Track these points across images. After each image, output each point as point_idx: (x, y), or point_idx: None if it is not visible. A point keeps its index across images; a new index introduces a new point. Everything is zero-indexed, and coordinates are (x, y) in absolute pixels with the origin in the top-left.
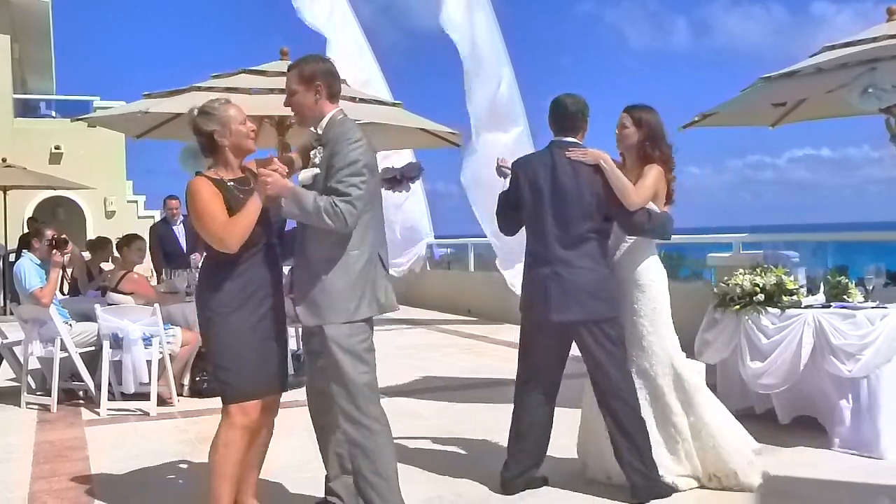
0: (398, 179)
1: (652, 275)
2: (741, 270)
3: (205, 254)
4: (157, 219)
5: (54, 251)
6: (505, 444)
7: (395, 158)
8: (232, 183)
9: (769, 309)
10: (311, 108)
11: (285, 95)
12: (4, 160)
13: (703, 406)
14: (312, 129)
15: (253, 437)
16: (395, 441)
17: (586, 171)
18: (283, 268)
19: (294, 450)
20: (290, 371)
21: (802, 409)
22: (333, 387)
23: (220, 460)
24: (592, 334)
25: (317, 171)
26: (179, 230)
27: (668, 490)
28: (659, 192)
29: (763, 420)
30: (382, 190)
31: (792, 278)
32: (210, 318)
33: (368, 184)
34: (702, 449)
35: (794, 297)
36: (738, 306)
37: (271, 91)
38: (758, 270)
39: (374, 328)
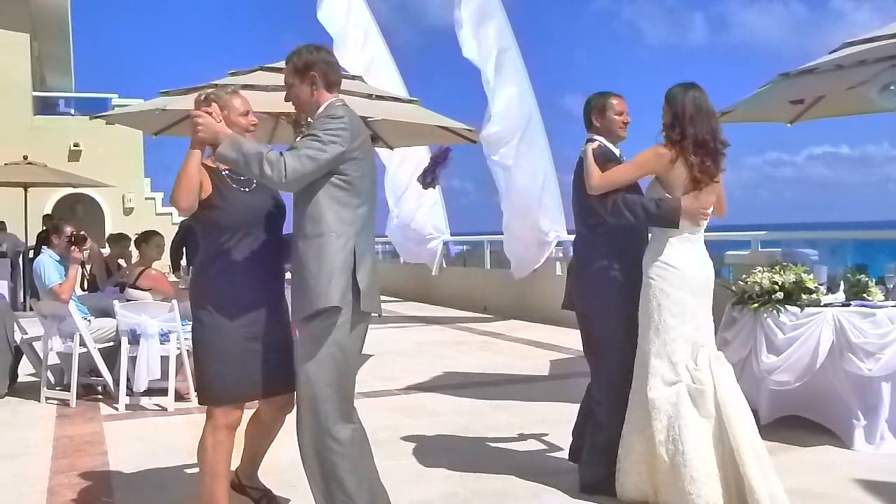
0: (432, 168)
1: (653, 272)
2: (760, 268)
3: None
4: (176, 216)
5: (73, 247)
6: (519, 441)
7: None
8: (226, 172)
9: (788, 307)
10: (308, 100)
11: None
12: (25, 157)
13: (657, 430)
14: (310, 118)
15: (255, 422)
16: (412, 437)
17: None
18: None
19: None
20: None
21: (792, 409)
22: (298, 391)
23: (211, 461)
24: (582, 326)
25: None
26: None
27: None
28: (661, 175)
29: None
30: (401, 188)
31: (811, 276)
32: (198, 318)
33: (330, 155)
34: (650, 473)
35: (814, 296)
36: (756, 304)
37: None
38: (777, 268)
39: (392, 325)
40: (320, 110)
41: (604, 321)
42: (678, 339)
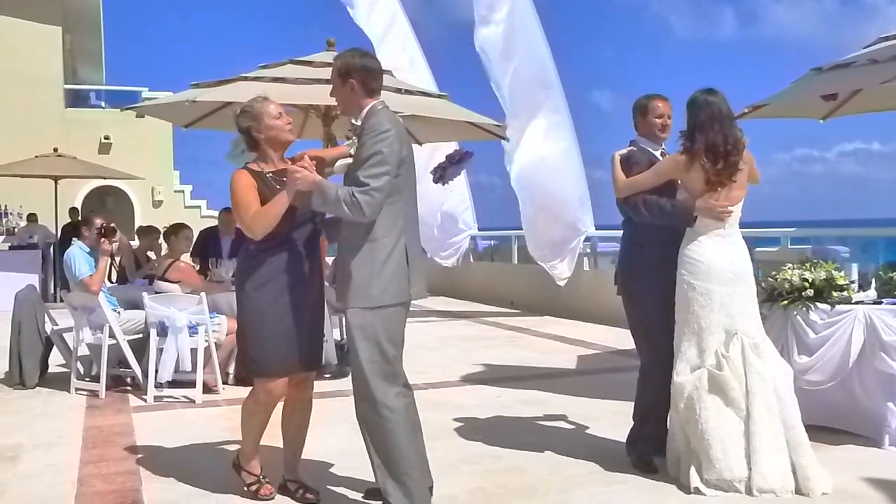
0: (443, 167)
1: (682, 267)
2: (790, 265)
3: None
4: (204, 208)
5: (103, 239)
6: (545, 434)
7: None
8: (270, 175)
9: (818, 304)
10: (349, 102)
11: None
12: (56, 150)
13: (680, 410)
14: (353, 120)
15: (288, 413)
16: (439, 432)
17: None
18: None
19: (337, 439)
20: (334, 361)
21: (821, 411)
22: (352, 369)
23: (246, 421)
24: (626, 309)
25: (350, 161)
26: (227, 241)
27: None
28: (681, 180)
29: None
30: (431, 183)
31: (842, 273)
32: (241, 299)
33: (391, 174)
34: (679, 450)
35: (845, 293)
36: (786, 301)
37: (317, 81)
38: (807, 265)
39: (419, 319)
40: (363, 114)
41: (641, 303)
42: (709, 327)
